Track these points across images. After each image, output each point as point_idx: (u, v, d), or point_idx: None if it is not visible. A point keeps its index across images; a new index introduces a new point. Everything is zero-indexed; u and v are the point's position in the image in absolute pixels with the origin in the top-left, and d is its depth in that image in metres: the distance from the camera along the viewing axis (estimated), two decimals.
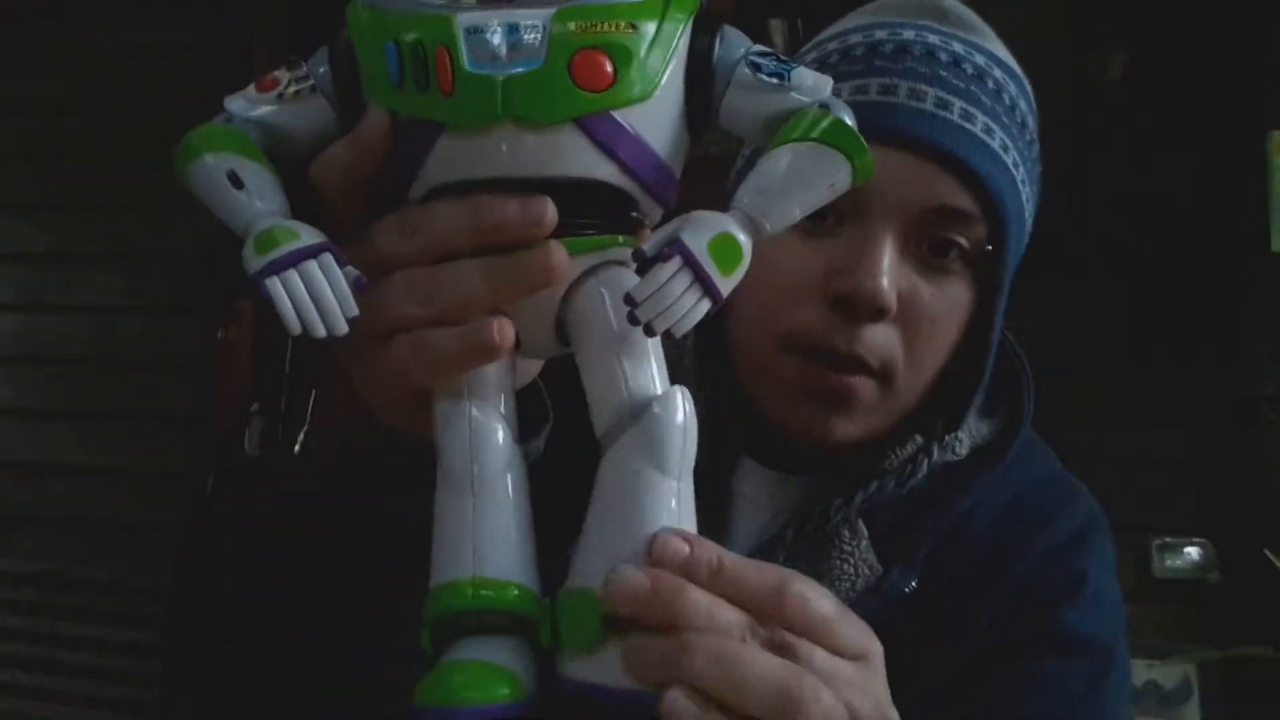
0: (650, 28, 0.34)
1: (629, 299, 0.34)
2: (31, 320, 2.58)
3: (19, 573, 2.45)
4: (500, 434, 0.37)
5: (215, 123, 0.37)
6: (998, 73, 0.61)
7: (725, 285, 0.34)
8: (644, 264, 0.34)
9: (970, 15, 0.64)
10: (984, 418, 0.67)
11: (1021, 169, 0.61)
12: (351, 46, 0.36)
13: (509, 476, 0.37)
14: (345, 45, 0.37)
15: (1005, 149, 0.59)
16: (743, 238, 0.35)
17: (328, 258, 0.34)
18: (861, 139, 0.35)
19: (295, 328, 0.34)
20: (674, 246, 0.34)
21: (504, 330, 0.35)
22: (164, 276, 2.36)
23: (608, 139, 0.34)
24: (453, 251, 0.35)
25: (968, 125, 0.58)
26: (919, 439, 0.63)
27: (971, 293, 0.60)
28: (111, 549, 2.40)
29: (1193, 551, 2.05)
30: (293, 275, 0.34)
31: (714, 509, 0.63)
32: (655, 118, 0.35)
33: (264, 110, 0.37)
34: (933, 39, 0.60)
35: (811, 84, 0.36)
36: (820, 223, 0.58)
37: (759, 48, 0.37)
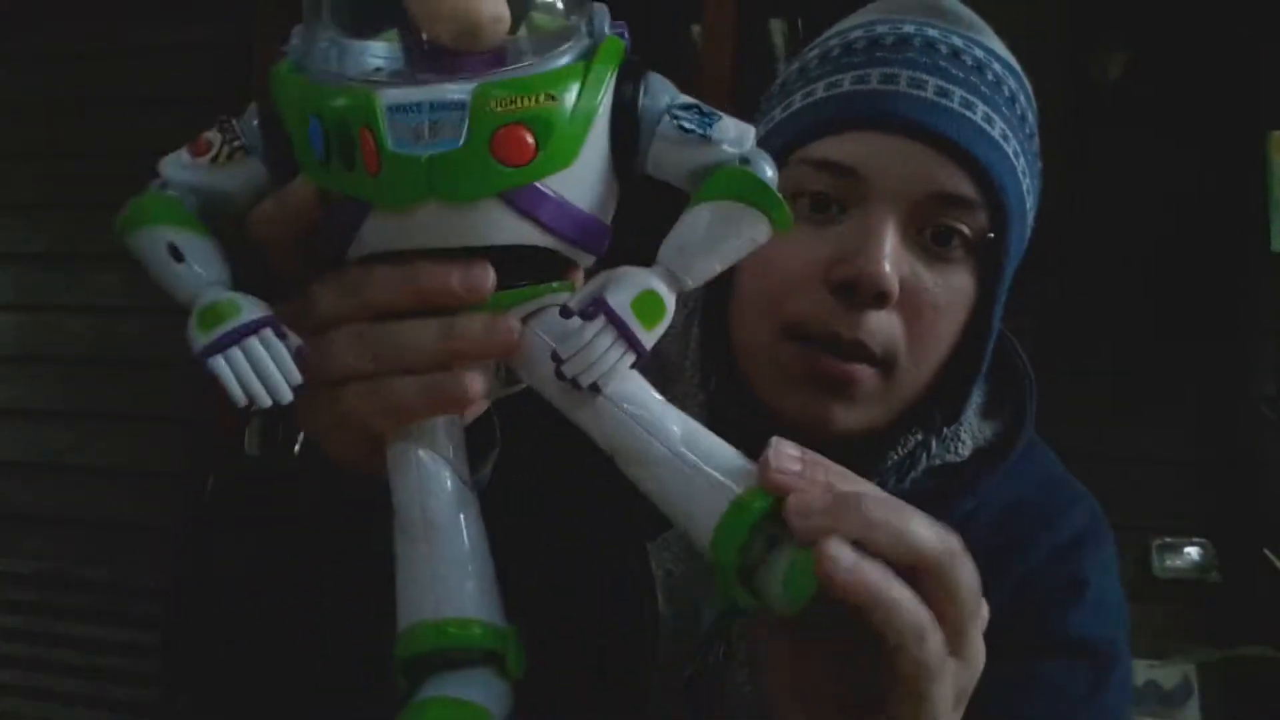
0: (571, 95, 0.35)
1: (555, 356, 0.35)
2: (31, 320, 2.58)
3: (19, 573, 2.45)
4: (449, 479, 0.38)
5: (152, 189, 0.38)
6: (997, 66, 0.62)
7: (648, 339, 0.35)
8: (569, 321, 0.36)
9: (969, 13, 0.65)
10: (986, 419, 0.67)
11: (1022, 159, 0.61)
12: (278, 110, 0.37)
13: (460, 518, 0.38)
14: (273, 108, 0.37)
15: (1005, 138, 0.59)
16: (665, 293, 0.36)
17: (268, 333, 0.35)
18: (777, 194, 0.36)
19: (241, 401, 0.35)
20: (598, 305, 0.35)
21: (474, 384, 0.36)
22: None
23: (531, 208, 0.35)
24: (392, 312, 0.36)
25: (968, 113, 0.58)
26: (919, 435, 0.63)
27: (974, 281, 0.60)
28: (111, 549, 2.40)
29: (1193, 551, 2.05)
30: (236, 353, 0.35)
31: None
32: (579, 179, 0.36)
33: (198, 175, 0.38)
34: (932, 32, 0.61)
35: (734, 136, 0.37)
36: (822, 211, 0.59)
37: (683, 99, 0.37)
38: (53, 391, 2.52)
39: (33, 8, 2.56)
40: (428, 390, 0.36)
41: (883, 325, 0.57)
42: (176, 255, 0.36)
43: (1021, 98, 0.63)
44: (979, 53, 0.61)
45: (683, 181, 0.37)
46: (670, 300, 0.36)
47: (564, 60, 0.35)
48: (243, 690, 0.56)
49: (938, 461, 0.64)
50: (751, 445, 0.64)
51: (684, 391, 0.66)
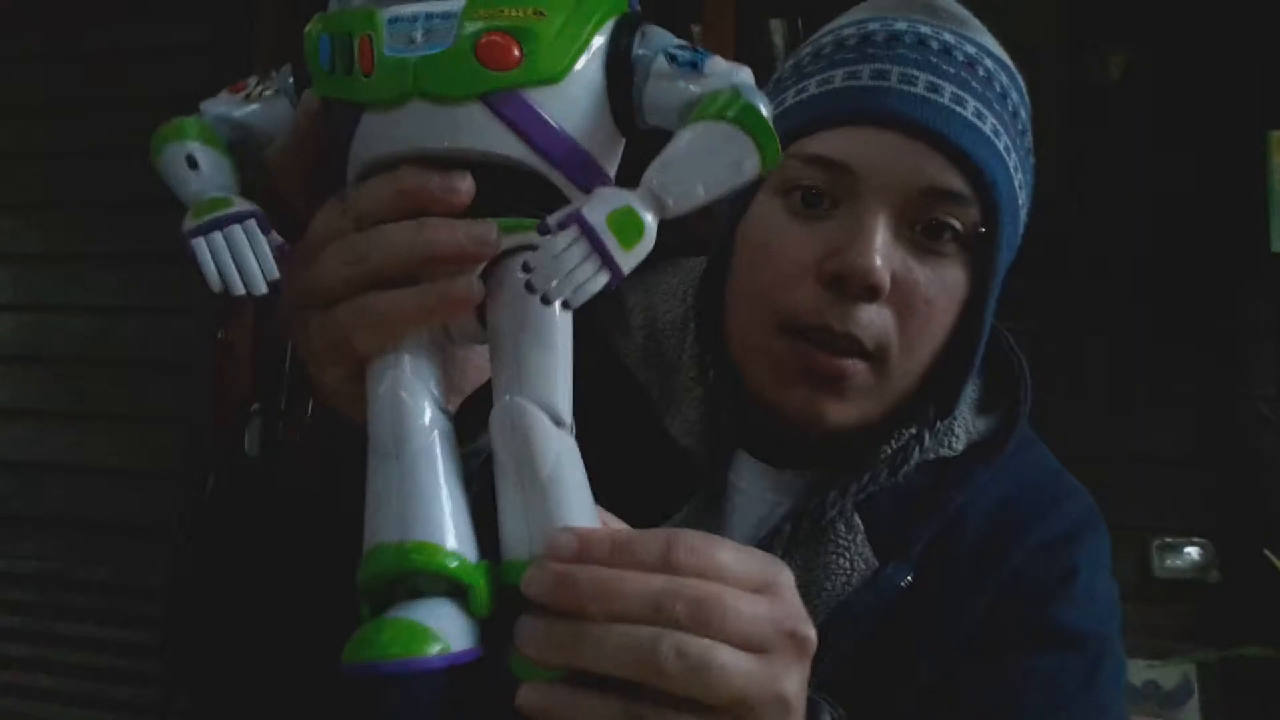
0: (560, 16, 0.36)
1: (525, 266, 0.34)
2: (31, 320, 2.58)
3: (19, 573, 2.45)
4: (426, 403, 0.38)
5: (188, 117, 0.41)
6: (989, 62, 0.62)
7: (625, 260, 0.35)
8: (545, 234, 0.35)
9: (962, 11, 0.65)
10: (981, 414, 0.67)
11: (1014, 155, 0.61)
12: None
13: (435, 443, 0.38)
14: (304, 66, 0.40)
15: (997, 134, 0.60)
16: (645, 214, 0.35)
17: (251, 223, 0.37)
18: (771, 126, 0.35)
19: (216, 284, 0.37)
20: (572, 217, 0.34)
21: (458, 286, 0.36)
22: (164, 276, 2.36)
23: (513, 116, 0.36)
24: (379, 222, 0.37)
25: (959, 109, 0.59)
26: (912, 429, 0.63)
27: (966, 276, 0.60)
28: (111, 549, 2.40)
29: (1193, 551, 2.05)
30: (217, 237, 0.37)
31: (710, 502, 0.63)
32: (567, 102, 0.36)
33: (231, 108, 0.41)
34: (924, 29, 0.62)
35: (725, 69, 0.37)
36: (814, 207, 0.59)
37: (678, 41, 0.38)
38: (53, 391, 2.52)
39: (33, 8, 2.56)
40: (417, 296, 0.36)
41: (874, 319, 0.58)
42: (193, 164, 0.39)
43: (1014, 94, 0.63)
44: (970, 49, 0.62)
45: (675, 120, 0.37)
46: (650, 221, 0.35)
47: None
48: (241, 690, 0.56)
49: (931, 456, 0.64)
50: (748, 439, 0.64)
51: (681, 385, 0.66)
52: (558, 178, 0.37)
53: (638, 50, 0.37)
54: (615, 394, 0.65)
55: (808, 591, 0.60)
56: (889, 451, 0.63)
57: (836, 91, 0.60)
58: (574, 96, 0.37)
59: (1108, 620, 0.63)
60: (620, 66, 0.37)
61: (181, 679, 0.61)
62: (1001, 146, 0.60)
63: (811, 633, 0.39)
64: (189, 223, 0.37)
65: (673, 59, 0.37)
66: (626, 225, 0.34)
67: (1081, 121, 2.21)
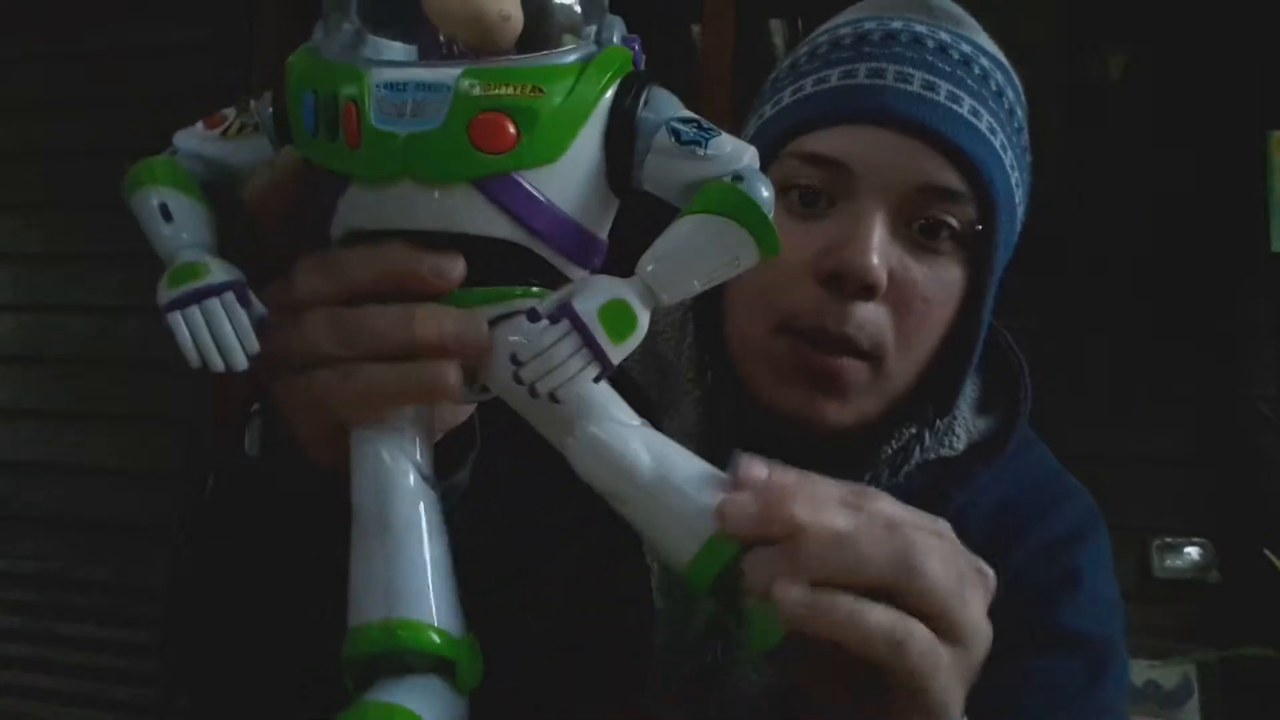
0: (560, 91, 0.34)
1: (514, 358, 0.34)
2: (31, 320, 2.58)
3: (19, 573, 2.45)
4: (411, 476, 0.37)
5: (161, 156, 0.39)
6: (984, 61, 0.62)
7: (616, 353, 0.34)
8: (535, 323, 0.35)
9: (957, 10, 0.65)
10: (981, 414, 0.67)
11: (1010, 153, 0.61)
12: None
13: (420, 518, 0.37)
14: (285, 95, 0.38)
15: (993, 132, 0.60)
16: (638, 306, 0.35)
17: (230, 296, 0.36)
18: (768, 216, 0.35)
19: (194, 361, 0.35)
20: (563, 309, 0.34)
21: (448, 375, 0.35)
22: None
23: (506, 200, 0.34)
24: (365, 295, 0.36)
25: (954, 107, 0.59)
26: (912, 429, 0.63)
27: (964, 274, 0.60)
28: (111, 549, 2.40)
29: (1193, 551, 2.05)
30: (194, 311, 0.36)
31: None
32: (563, 179, 0.35)
33: (207, 146, 0.39)
34: (920, 28, 0.62)
35: (730, 152, 0.35)
36: (812, 206, 0.59)
37: (683, 113, 0.36)
38: (53, 391, 2.52)
39: (33, 8, 2.56)
40: (400, 378, 0.35)
41: (870, 318, 0.58)
42: (166, 215, 0.37)
43: (1010, 92, 0.63)
44: (966, 48, 0.62)
45: (676, 197, 0.36)
46: (643, 314, 0.35)
47: (563, 60, 0.35)
48: (241, 690, 0.56)
49: (932, 455, 0.64)
50: (747, 440, 0.64)
51: (679, 387, 0.66)
52: (549, 252, 0.36)
53: (642, 114, 0.36)
54: None
55: None
56: (889, 452, 0.63)
57: (833, 90, 0.60)
58: (570, 173, 0.35)
59: (1109, 621, 0.63)
60: (622, 128, 0.36)
61: (181, 679, 0.61)
62: (998, 144, 0.60)
63: (989, 570, 0.40)
64: (165, 293, 0.36)
65: (677, 135, 0.36)
66: (618, 318, 0.34)
67: (1081, 121, 2.21)
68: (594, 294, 0.35)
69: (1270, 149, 2.04)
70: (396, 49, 0.37)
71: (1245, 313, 2.09)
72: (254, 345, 0.36)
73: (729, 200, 0.34)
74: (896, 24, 0.62)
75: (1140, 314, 2.14)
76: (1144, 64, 2.17)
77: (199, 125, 0.39)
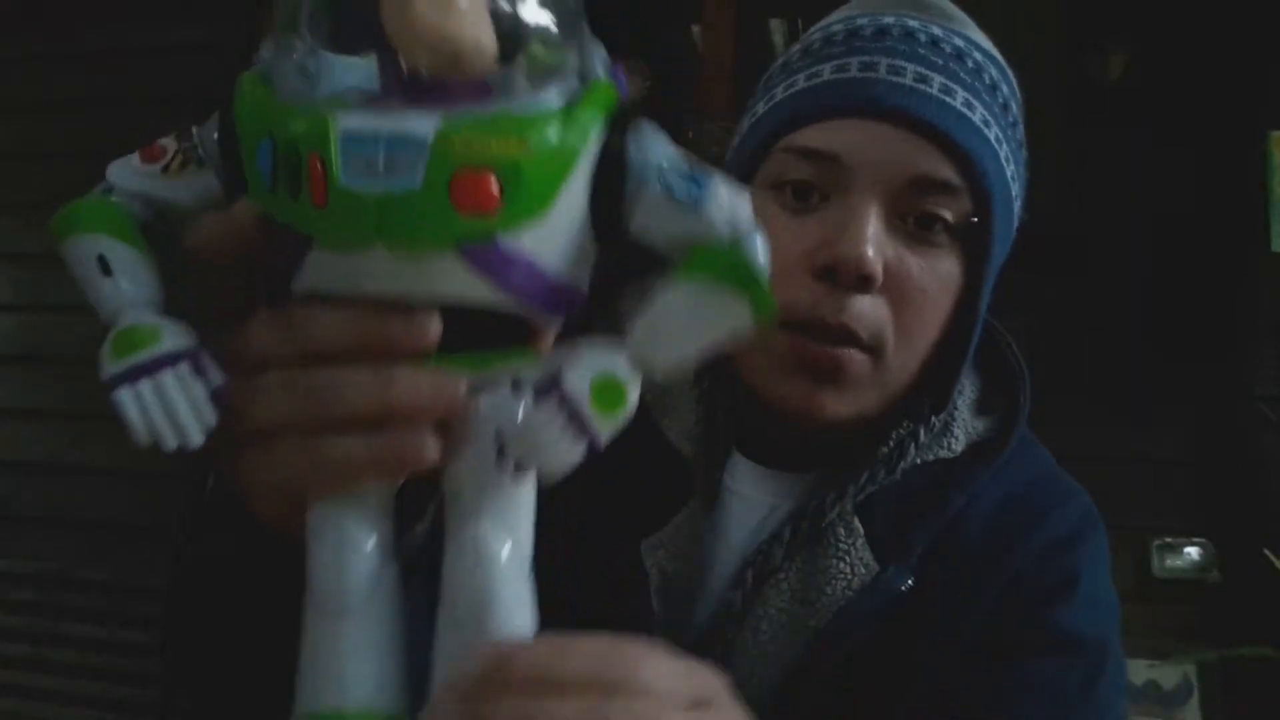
0: (546, 142, 0.31)
1: (499, 436, 0.32)
2: (31, 320, 2.58)
3: (19, 573, 2.45)
4: (372, 552, 0.34)
5: (95, 194, 0.35)
6: (977, 55, 0.62)
7: (605, 430, 0.32)
8: (523, 398, 0.32)
9: (950, 6, 0.65)
10: (980, 415, 0.67)
11: (1005, 146, 0.61)
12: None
13: (381, 599, 0.34)
14: (234, 122, 0.34)
15: (987, 124, 0.59)
16: (630, 381, 0.33)
17: (185, 367, 0.32)
18: (763, 277, 0.32)
19: (143, 440, 0.32)
20: (555, 388, 0.32)
21: (429, 448, 0.33)
22: None
23: (487, 265, 0.31)
24: (331, 358, 0.33)
25: (948, 99, 0.58)
26: (908, 425, 0.63)
27: (960, 268, 0.60)
28: (111, 549, 2.40)
29: (1193, 551, 2.05)
30: (145, 386, 0.32)
31: (707, 507, 0.63)
32: (549, 237, 0.32)
33: (145, 183, 0.35)
34: (912, 23, 0.62)
35: (727, 207, 0.33)
36: (805, 200, 0.59)
37: (673, 156, 0.34)
38: (53, 391, 2.52)
39: (33, 8, 2.56)
40: (374, 451, 0.32)
41: (868, 310, 0.57)
42: (105, 268, 0.33)
43: (1004, 86, 0.63)
44: (959, 41, 0.62)
45: (664, 248, 0.34)
46: (634, 389, 0.32)
47: (545, 102, 0.32)
48: (242, 690, 0.56)
49: (930, 456, 0.64)
50: (746, 441, 0.63)
51: (676, 387, 0.66)
52: (530, 313, 0.34)
53: (632, 154, 0.33)
54: None
55: (808, 596, 0.60)
56: (885, 450, 0.63)
57: (825, 84, 0.60)
58: (555, 227, 0.32)
59: (1108, 623, 0.63)
60: (610, 173, 0.33)
61: (181, 679, 0.60)
62: (992, 136, 0.59)
63: None
64: (110, 365, 0.32)
65: (670, 190, 0.33)
66: (609, 393, 0.32)
67: (1081, 121, 2.21)
68: (584, 368, 0.32)
69: (1270, 149, 2.04)
70: (354, 67, 0.33)
71: (1245, 313, 2.09)
72: (210, 420, 0.32)
73: (732, 270, 0.32)
74: (889, 19, 0.62)
75: (1140, 314, 2.14)
76: (1144, 64, 2.17)
77: (134, 159, 0.35)
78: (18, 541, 2.48)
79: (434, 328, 0.32)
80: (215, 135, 0.35)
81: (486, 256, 0.31)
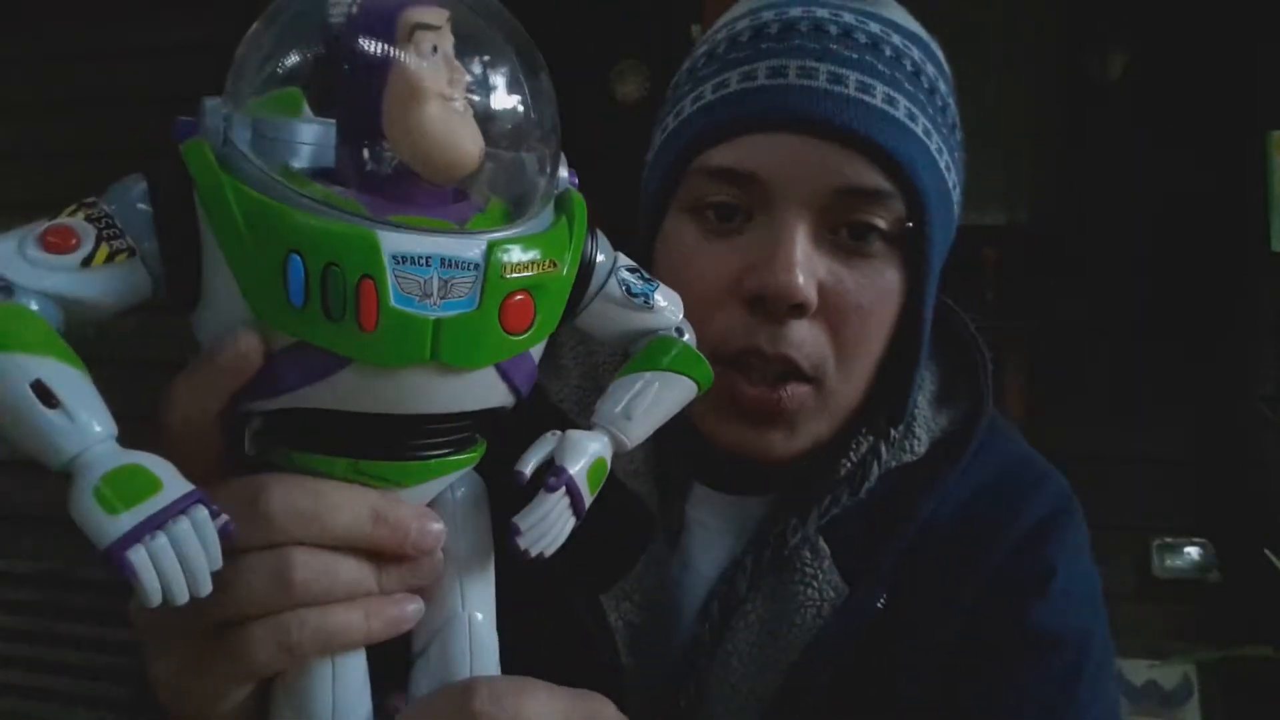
0: (567, 261, 0.34)
1: (515, 529, 0.33)
2: None
3: (19, 573, 2.45)
4: (363, 685, 0.34)
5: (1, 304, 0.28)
6: (896, 39, 0.57)
7: (589, 503, 0.35)
8: (525, 488, 0.34)
9: None
10: (942, 409, 0.63)
11: (935, 137, 0.56)
12: (187, 202, 0.29)
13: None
14: (177, 196, 0.30)
15: (912, 118, 0.55)
16: (610, 460, 0.36)
17: (201, 511, 0.28)
18: (703, 359, 0.39)
19: (155, 600, 0.27)
20: (560, 478, 0.34)
21: (413, 608, 0.34)
22: None
23: (514, 374, 0.33)
24: (333, 544, 0.32)
25: (866, 98, 0.54)
26: (869, 439, 0.60)
27: (900, 274, 0.56)
28: None
29: (1193, 551, 2.05)
30: (163, 541, 0.27)
31: (671, 539, 0.61)
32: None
33: (61, 281, 0.29)
34: (821, 13, 0.56)
35: (670, 304, 0.39)
36: (729, 221, 0.55)
37: (625, 261, 0.38)
38: None
39: (32, 8, 2.56)
40: (359, 622, 0.32)
41: (806, 335, 0.54)
42: (48, 399, 0.27)
43: (929, 68, 0.58)
44: (874, 28, 0.57)
45: (610, 338, 0.39)
46: (610, 462, 0.36)
47: (550, 218, 0.34)
48: None
49: (893, 463, 0.60)
50: (704, 469, 0.61)
51: None
52: (516, 406, 0.36)
53: (598, 257, 0.37)
54: None
55: (778, 629, 0.57)
56: (847, 468, 0.59)
57: (733, 95, 0.55)
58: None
59: (1087, 614, 0.60)
60: (582, 276, 0.36)
61: None
62: (920, 130, 0.55)
63: None
64: (111, 521, 0.27)
65: (628, 288, 0.38)
66: (596, 474, 0.35)
67: (1081, 121, 2.21)
68: (580, 455, 0.35)
69: (1270, 149, 2.04)
70: (314, 130, 0.32)
71: (1245, 313, 2.09)
72: (219, 562, 0.28)
73: (683, 359, 0.38)
74: (795, 11, 0.57)
75: (1140, 314, 2.14)
76: (1144, 64, 2.17)
77: (31, 248, 0.29)
78: (18, 541, 2.48)
79: (440, 529, 0.34)
80: (142, 206, 0.30)
81: (517, 366, 0.33)
